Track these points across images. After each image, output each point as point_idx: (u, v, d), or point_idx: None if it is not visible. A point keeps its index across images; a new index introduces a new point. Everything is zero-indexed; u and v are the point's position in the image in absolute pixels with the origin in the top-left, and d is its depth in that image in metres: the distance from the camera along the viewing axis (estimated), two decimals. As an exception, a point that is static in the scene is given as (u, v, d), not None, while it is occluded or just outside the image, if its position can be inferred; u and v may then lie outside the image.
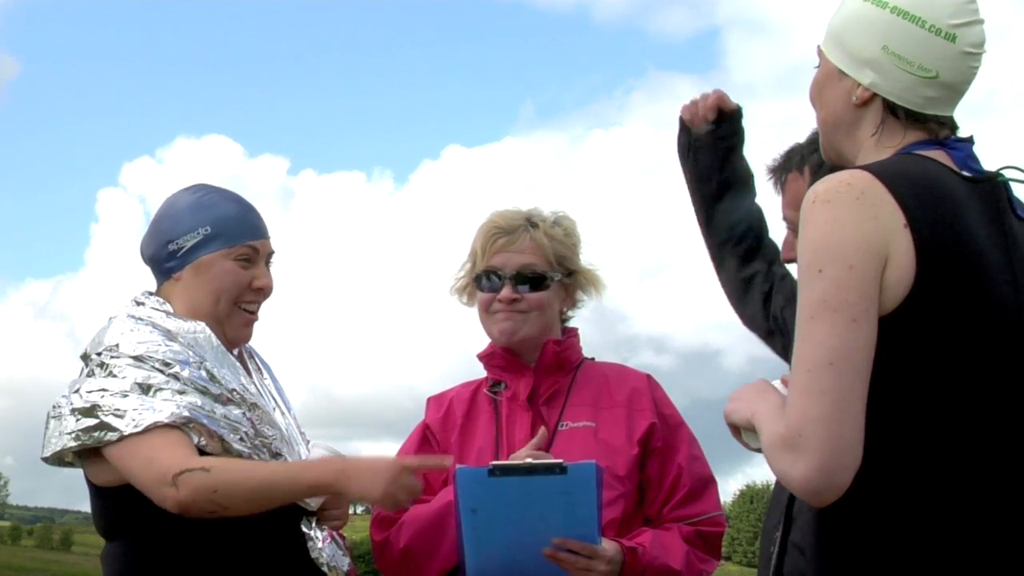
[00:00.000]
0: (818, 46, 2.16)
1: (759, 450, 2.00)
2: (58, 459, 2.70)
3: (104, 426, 2.59)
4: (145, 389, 2.61)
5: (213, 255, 2.79)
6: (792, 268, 2.81)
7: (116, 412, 2.59)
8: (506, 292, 2.99)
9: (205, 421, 2.60)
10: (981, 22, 2.06)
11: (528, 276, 3.00)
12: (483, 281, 3.04)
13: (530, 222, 3.05)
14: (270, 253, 2.89)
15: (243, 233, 2.83)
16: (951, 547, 1.87)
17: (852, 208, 1.89)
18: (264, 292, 2.86)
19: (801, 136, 2.86)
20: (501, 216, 3.08)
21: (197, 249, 2.79)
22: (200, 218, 2.80)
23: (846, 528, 1.92)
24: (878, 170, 1.95)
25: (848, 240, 1.88)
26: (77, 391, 2.67)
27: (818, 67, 2.17)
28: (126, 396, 2.60)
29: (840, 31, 2.11)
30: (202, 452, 2.59)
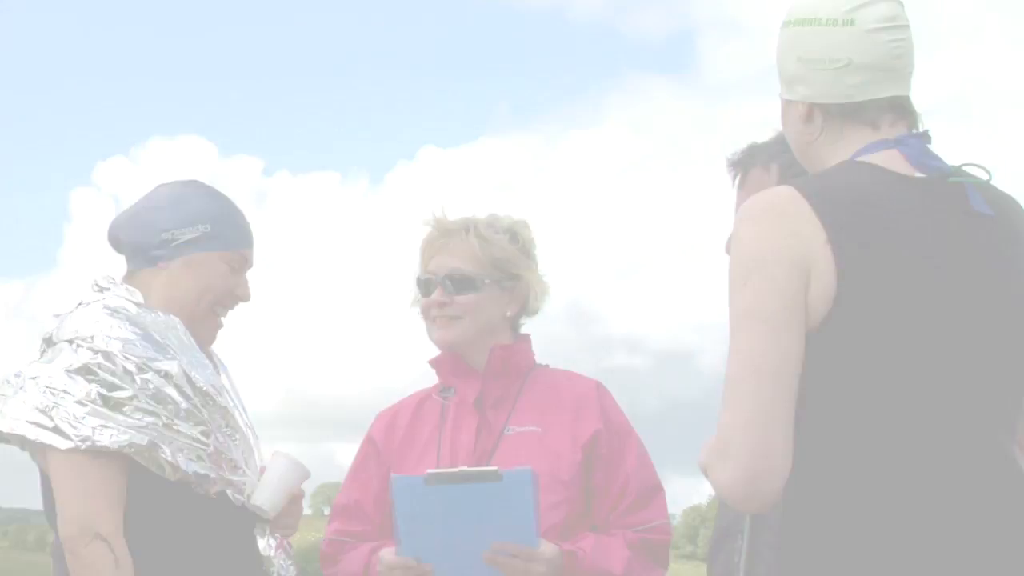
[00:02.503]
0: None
1: None
2: None
3: (56, 430, 2.57)
4: (107, 401, 2.58)
5: (208, 254, 2.79)
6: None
7: (70, 420, 2.57)
8: (435, 295, 3.00)
9: (159, 443, 2.58)
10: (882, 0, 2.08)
11: (456, 279, 2.98)
12: (420, 287, 3.05)
13: (467, 226, 3.04)
14: (251, 265, 2.91)
15: (241, 240, 2.86)
16: (900, 546, 1.91)
17: (774, 224, 1.96)
18: (241, 301, 2.88)
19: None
20: (441, 222, 3.07)
21: (193, 244, 2.78)
22: (200, 214, 2.80)
23: (805, 527, 1.97)
24: (804, 186, 2.00)
25: (770, 254, 1.94)
26: (36, 378, 2.63)
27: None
28: (84, 406, 2.57)
29: (776, 64, 2.19)
30: (143, 480, 2.59)
